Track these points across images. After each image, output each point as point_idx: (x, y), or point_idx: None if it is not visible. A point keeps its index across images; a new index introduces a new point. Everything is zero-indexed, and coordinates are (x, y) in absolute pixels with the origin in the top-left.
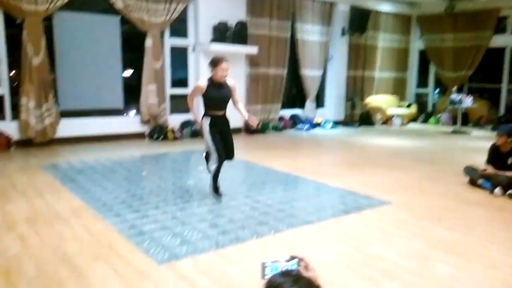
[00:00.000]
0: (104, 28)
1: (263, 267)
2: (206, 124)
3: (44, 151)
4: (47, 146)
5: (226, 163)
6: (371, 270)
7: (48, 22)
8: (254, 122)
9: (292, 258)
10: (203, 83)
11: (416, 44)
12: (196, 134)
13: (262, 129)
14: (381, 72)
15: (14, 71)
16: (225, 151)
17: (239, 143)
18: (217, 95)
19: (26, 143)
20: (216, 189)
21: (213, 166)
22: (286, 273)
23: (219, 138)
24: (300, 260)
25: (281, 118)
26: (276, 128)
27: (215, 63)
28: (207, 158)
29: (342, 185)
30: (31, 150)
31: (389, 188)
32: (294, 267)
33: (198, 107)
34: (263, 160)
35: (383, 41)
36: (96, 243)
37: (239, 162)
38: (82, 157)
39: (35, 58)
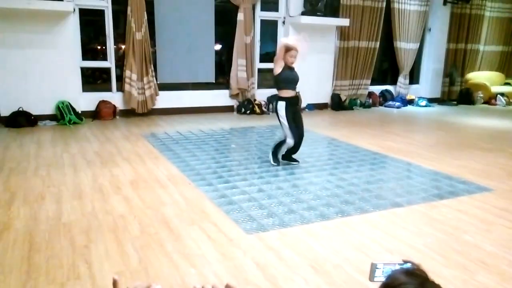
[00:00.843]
0: (199, 3)
1: (373, 268)
2: (282, 109)
3: (144, 121)
4: (147, 116)
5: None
6: (466, 259)
7: None
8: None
9: (406, 262)
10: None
11: None
12: None
13: (349, 105)
14: (486, 45)
15: (118, 45)
16: (298, 132)
17: (325, 119)
18: (290, 76)
19: (129, 113)
20: (275, 154)
21: (285, 148)
22: (411, 273)
23: (292, 119)
24: (416, 266)
25: (370, 94)
26: (365, 105)
27: (287, 48)
28: (280, 145)
29: (436, 168)
30: (133, 120)
31: (489, 174)
32: None
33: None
34: (350, 138)
35: (491, 10)
36: (191, 209)
37: (325, 139)
38: (177, 128)
39: (138, 33)
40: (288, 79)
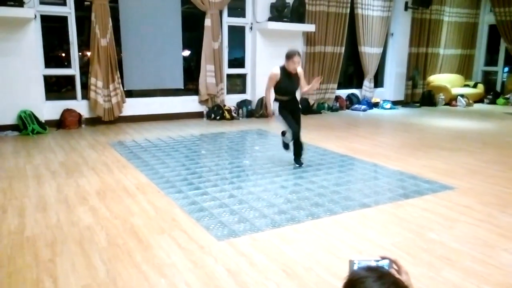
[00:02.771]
0: (166, 8)
1: (351, 264)
2: (276, 106)
3: (111, 129)
4: (114, 124)
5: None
6: (431, 256)
7: (114, 4)
8: (317, 82)
9: (383, 258)
10: (277, 70)
11: (486, 19)
12: (252, 114)
13: (317, 109)
14: (446, 49)
15: (83, 52)
16: (294, 122)
17: None
18: (287, 85)
19: (95, 121)
20: (286, 146)
21: (289, 138)
22: (371, 268)
23: (290, 117)
24: (392, 262)
25: (337, 98)
26: (332, 108)
27: (289, 56)
28: (283, 134)
29: (402, 168)
30: (100, 128)
31: (452, 173)
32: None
33: (272, 98)
34: (318, 141)
35: (450, 15)
36: (161, 218)
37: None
38: (145, 135)
39: (103, 39)
40: (281, 90)
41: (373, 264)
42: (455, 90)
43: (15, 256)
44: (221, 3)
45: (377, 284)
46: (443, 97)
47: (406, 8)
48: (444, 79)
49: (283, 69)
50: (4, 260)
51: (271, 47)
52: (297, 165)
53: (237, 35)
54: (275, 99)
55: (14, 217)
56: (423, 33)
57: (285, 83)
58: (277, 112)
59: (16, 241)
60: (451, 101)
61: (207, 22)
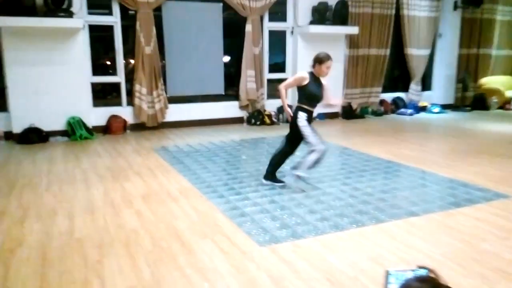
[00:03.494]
0: (208, 15)
1: (387, 275)
2: (303, 119)
3: (154, 134)
4: (157, 130)
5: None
6: (485, 268)
7: (157, 12)
8: (337, 101)
9: (420, 268)
10: (306, 75)
11: None
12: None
13: (361, 113)
14: (499, 49)
15: (127, 60)
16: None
17: (336, 129)
18: (317, 91)
19: (139, 127)
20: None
21: (315, 156)
22: (423, 279)
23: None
24: (431, 271)
25: (381, 102)
26: (376, 113)
27: (322, 60)
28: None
29: (452, 175)
30: (144, 133)
31: (507, 180)
32: None
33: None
34: (362, 146)
35: (502, 14)
36: (203, 222)
37: (337, 148)
38: (187, 141)
39: (147, 47)
40: (311, 96)
41: (410, 273)
42: (509, 93)
43: (65, 257)
44: (262, 8)
45: None
46: (496, 100)
47: (455, 7)
48: (497, 81)
49: (312, 75)
50: (55, 261)
51: (313, 51)
52: (266, 181)
53: (278, 40)
54: (301, 109)
55: (64, 219)
56: (473, 33)
57: (314, 89)
58: (303, 124)
59: (66, 242)
60: (504, 104)
61: (248, 27)
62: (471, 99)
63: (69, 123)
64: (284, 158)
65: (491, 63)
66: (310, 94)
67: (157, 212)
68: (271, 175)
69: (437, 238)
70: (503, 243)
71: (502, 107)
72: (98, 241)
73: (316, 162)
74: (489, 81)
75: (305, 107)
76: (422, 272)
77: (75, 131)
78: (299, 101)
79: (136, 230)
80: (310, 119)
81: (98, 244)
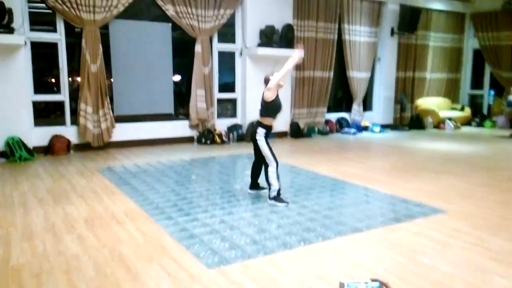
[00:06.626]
0: (157, 35)
1: (341, 286)
2: (261, 135)
3: (100, 154)
4: (103, 150)
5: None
6: (424, 281)
7: (105, 30)
8: (297, 54)
9: (373, 280)
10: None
11: (470, 43)
12: (242, 138)
13: (307, 133)
14: (432, 73)
15: (73, 78)
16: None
17: (285, 147)
18: (279, 104)
19: (84, 147)
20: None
21: (275, 172)
22: None
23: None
24: (383, 284)
25: (327, 122)
26: (322, 132)
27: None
28: (278, 195)
29: (392, 192)
30: (89, 154)
31: (442, 196)
32: None
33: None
34: (309, 164)
35: (435, 40)
36: (150, 245)
37: (284, 167)
38: (135, 161)
39: (93, 65)
40: (276, 107)
41: (363, 286)
42: (443, 114)
43: None
44: (211, 29)
45: None
46: (431, 120)
47: (392, 33)
48: (431, 103)
49: None
50: None
51: (261, 72)
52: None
53: (227, 60)
54: (262, 125)
55: None
56: (409, 58)
57: (279, 100)
58: (261, 139)
59: (0, 270)
60: (439, 124)
61: (198, 48)
62: (409, 119)
63: (7, 144)
64: (259, 168)
65: (426, 85)
66: (277, 105)
67: (101, 237)
68: (277, 193)
69: (380, 253)
70: (440, 256)
71: (437, 126)
72: (36, 269)
73: (277, 173)
74: (425, 102)
75: (265, 123)
76: (375, 285)
77: (14, 152)
78: (263, 115)
79: (78, 256)
80: (268, 135)
81: (36, 272)
